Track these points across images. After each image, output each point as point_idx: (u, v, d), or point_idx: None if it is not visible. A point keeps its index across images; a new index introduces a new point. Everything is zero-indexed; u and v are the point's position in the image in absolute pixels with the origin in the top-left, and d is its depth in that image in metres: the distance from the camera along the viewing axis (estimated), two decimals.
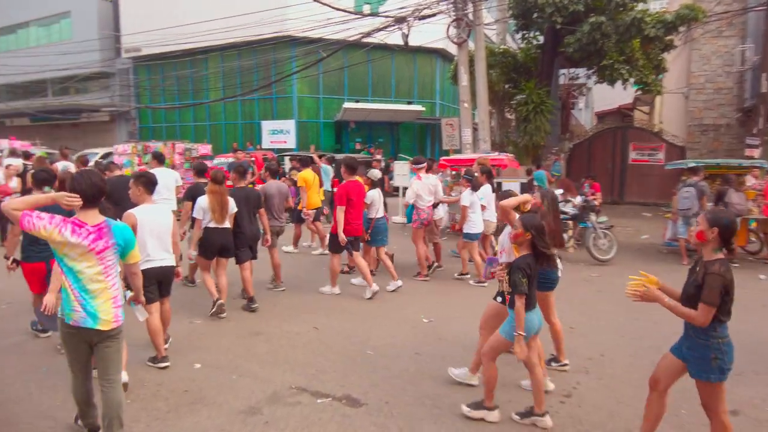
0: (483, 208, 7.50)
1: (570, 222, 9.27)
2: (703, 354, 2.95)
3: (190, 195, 6.43)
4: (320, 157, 13.02)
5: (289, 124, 23.10)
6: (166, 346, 4.85)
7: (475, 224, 7.35)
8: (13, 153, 11.57)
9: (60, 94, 30.91)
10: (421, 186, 7.63)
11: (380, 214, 7.17)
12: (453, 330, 5.65)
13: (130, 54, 26.61)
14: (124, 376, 3.95)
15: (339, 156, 15.58)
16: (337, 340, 5.33)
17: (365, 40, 14.01)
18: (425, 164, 8.07)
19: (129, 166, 12.71)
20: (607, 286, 7.63)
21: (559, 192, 9.86)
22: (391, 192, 14.75)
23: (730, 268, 2.92)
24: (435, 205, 7.94)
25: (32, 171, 7.11)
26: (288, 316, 6.03)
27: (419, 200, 7.57)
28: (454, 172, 13.26)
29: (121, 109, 28.26)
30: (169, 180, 7.55)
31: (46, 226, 2.97)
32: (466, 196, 7.33)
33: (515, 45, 19.81)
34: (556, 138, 16.73)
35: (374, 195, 7.10)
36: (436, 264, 8.10)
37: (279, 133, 23.24)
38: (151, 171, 7.59)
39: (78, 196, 3.06)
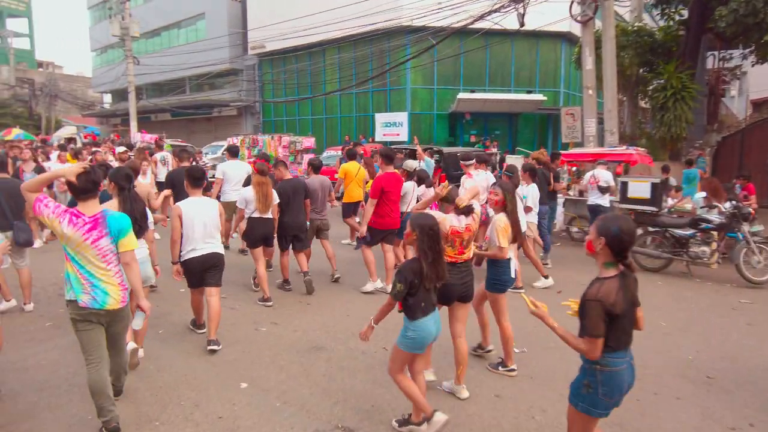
0: (528, 209, 6.84)
1: (715, 233, 7.59)
2: (579, 377, 2.62)
3: (170, 182, 6.67)
4: (424, 150, 12.35)
5: (402, 117, 22.69)
6: (215, 348, 4.86)
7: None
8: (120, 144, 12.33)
9: (196, 91, 33.58)
10: (470, 182, 7.03)
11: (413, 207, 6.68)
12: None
13: (255, 51, 27.95)
14: (141, 353, 4.48)
15: (447, 149, 14.79)
16: None
17: (478, 24, 12.98)
18: (474, 161, 7.47)
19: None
20: (761, 317, 6.07)
21: (701, 195, 8.22)
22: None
23: (614, 288, 2.47)
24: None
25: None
26: (357, 329, 5.45)
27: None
28: (574, 169, 11.87)
29: (247, 103, 29.90)
30: (241, 172, 7.88)
31: (49, 215, 3.20)
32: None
33: (653, 22, 17.43)
34: (700, 129, 14.42)
35: (408, 187, 6.76)
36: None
37: (392, 126, 22.95)
38: (225, 163, 8.34)
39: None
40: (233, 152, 8.54)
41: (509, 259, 4.24)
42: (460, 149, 15.90)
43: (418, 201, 6.80)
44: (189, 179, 4.89)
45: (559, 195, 9.88)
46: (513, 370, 4.40)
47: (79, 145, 18.00)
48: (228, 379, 4.38)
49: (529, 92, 22.25)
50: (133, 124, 26.11)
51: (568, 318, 2.80)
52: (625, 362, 2.56)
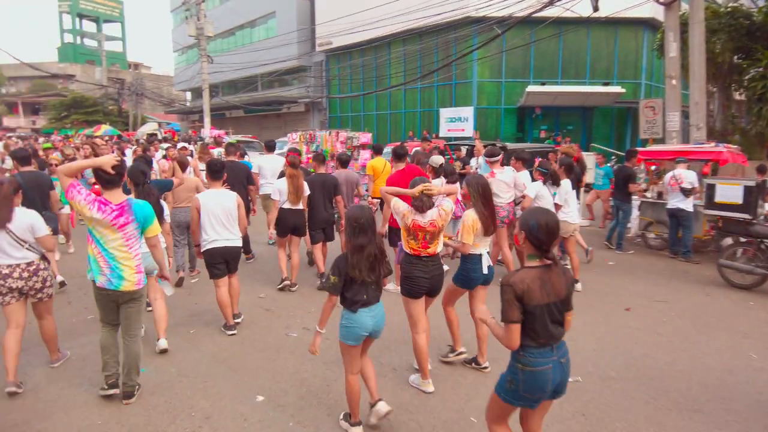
0: (558, 207, 6.42)
1: None
2: (504, 373, 2.71)
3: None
4: (485, 146, 11.70)
5: (468, 111, 21.92)
6: (238, 321, 5.37)
7: None
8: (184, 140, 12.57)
9: (267, 88, 34.36)
10: (495, 182, 6.61)
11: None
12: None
13: (323, 47, 28.12)
14: (163, 343, 4.70)
15: (513, 145, 13.98)
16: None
17: (549, 12, 12.09)
18: (500, 157, 7.00)
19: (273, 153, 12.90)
20: None
21: None
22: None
23: (528, 277, 2.55)
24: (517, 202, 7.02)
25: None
26: (392, 342, 5.01)
27: (495, 198, 6.40)
28: (653, 168, 10.75)
29: (314, 99, 30.19)
30: (276, 165, 8.04)
31: (80, 201, 3.54)
32: (533, 187, 6.43)
33: (750, 2, 15.59)
34: None
35: (437, 183, 6.32)
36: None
37: (456, 121, 22.23)
38: (261, 157, 8.57)
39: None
40: (270, 147, 8.76)
41: (480, 255, 4.21)
42: (527, 146, 15.04)
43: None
44: (208, 172, 5.19)
45: (634, 197, 8.96)
46: (485, 367, 4.39)
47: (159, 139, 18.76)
48: (246, 389, 4.10)
49: (606, 84, 20.74)
50: (207, 121, 26.99)
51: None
52: (549, 362, 2.57)
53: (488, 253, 4.31)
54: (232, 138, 16.55)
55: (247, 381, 4.24)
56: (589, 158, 12.48)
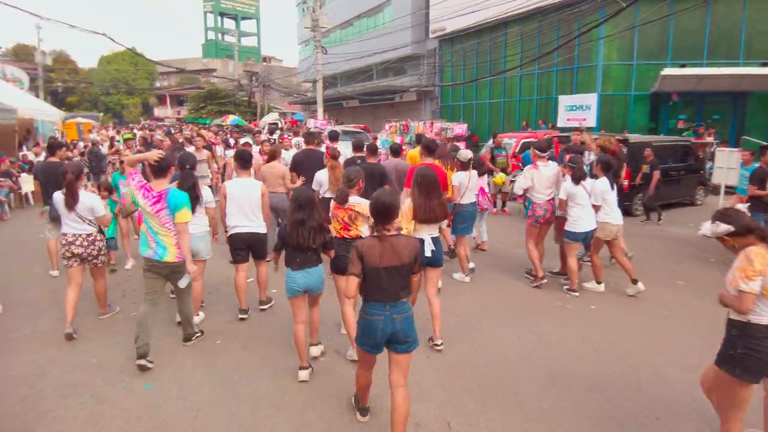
0: (596, 208, 6.02)
1: None
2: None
3: (294, 164, 7.44)
4: (594, 139, 10.12)
5: (590, 99, 19.61)
6: (265, 307, 5.62)
7: (577, 221, 6.05)
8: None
9: (382, 77, 34.20)
10: (538, 176, 6.35)
11: (468, 199, 6.50)
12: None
13: (436, 34, 27.14)
14: (202, 315, 5.40)
15: (637, 138, 12.07)
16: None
17: None
18: (548, 152, 6.65)
19: (386, 145, 12.30)
20: None
21: None
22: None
23: (368, 244, 3.12)
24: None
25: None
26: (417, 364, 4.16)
27: (534, 193, 6.44)
28: None
29: (426, 88, 29.37)
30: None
31: (133, 187, 4.24)
32: (564, 187, 6.11)
33: None
34: None
35: (462, 178, 6.40)
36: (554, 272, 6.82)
37: (577, 110, 20.01)
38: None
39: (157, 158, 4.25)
40: (333, 137, 9.28)
41: (422, 240, 4.54)
42: (660, 138, 12.91)
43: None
44: (237, 161, 5.43)
45: None
46: (438, 344, 4.73)
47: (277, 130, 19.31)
48: (238, 427, 3.52)
49: (765, 65, 17.28)
50: (320, 111, 27.49)
51: None
52: (382, 315, 3.11)
53: (433, 238, 4.63)
54: (337, 128, 16.37)
55: (243, 416, 3.67)
56: (732, 155, 10.30)
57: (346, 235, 4.36)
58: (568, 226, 6.05)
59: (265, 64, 58.52)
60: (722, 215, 2.94)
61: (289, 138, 11.66)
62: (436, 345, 4.68)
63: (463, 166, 6.46)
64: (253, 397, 3.90)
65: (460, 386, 4.08)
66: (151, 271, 4.33)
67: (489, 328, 5.20)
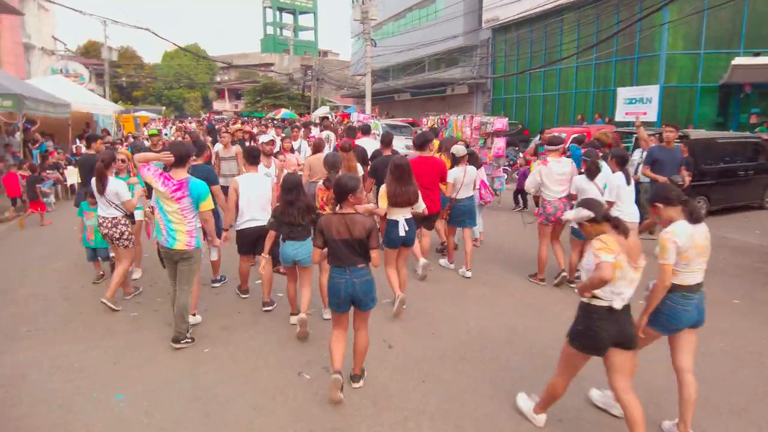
0: (610, 204, 5.54)
1: None
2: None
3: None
4: (654, 134, 9.23)
5: (652, 91, 18.17)
6: (268, 309, 5.48)
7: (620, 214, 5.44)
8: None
9: (434, 69, 33.50)
10: (546, 172, 6.04)
11: (465, 194, 6.51)
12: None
13: (489, 24, 26.21)
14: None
15: (699, 134, 10.98)
16: None
17: None
18: (559, 147, 6.21)
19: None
20: None
21: None
22: None
23: (327, 219, 3.72)
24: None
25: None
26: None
27: (544, 190, 6.14)
28: None
29: (478, 81, 28.46)
30: (371, 147, 8.20)
31: (150, 176, 4.40)
32: (574, 181, 5.86)
33: None
34: None
35: (457, 173, 6.44)
36: (563, 273, 6.19)
37: (637, 103, 18.62)
38: (359, 140, 8.57)
39: (170, 153, 4.45)
40: (365, 131, 9.33)
41: (397, 221, 5.16)
42: (724, 134, 11.68)
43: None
44: (245, 157, 5.61)
45: None
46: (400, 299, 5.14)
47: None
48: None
49: None
50: (368, 104, 27.21)
51: None
52: (343, 278, 3.68)
53: (406, 219, 5.23)
54: (377, 122, 16.00)
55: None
56: None
57: (322, 213, 4.81)
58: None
59: (318, 57, 58.96)
60: (586, 203, 3.17)
61: (297, 129, 11.27)
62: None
63: (458, 161, 6.49)
64: (224, 418, 3.59)
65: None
66: (165, 257, 4.62)
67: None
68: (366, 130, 9.40)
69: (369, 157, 7.74)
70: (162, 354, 4.50)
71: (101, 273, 6.42)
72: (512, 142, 20.37)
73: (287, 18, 74.16)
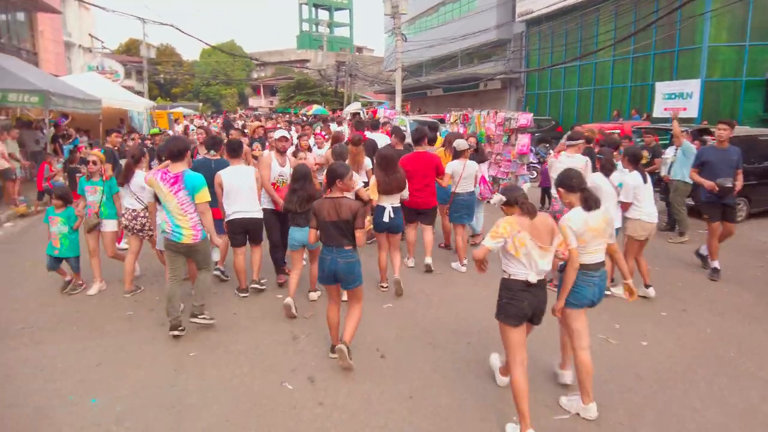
0: (625, 205, 5.41)
1: None
2: None
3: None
4: (688, 132, 8.66)
5: (693, 85, 17.32)
6: (257, 286, 5.75)
7: (641, 214, 5.48)
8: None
9: (467, 64, 32.89)
10: (556, 165, 5.88)
11: (464, 189, 6.52)
12: None
13: (523, 18, 25.50)
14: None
15: (741, 130, 10.24)
16: None
17: None
18: (580, 142, 6.05)
19: (444, 136, 11.41)
20: None
21: None
22: None
23: (321, 203, 4.10)
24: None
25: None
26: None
27: (554, 185, 5.54)
28: None
29: (511, 76, 27.76)
30: (382, 142, 8.21)
31: (152, 180, 4.56)
32: (592, 180, 5.21)
33: None
34: None
35: (456, 166, 6.44)
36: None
37: (676, 98, 17.76)
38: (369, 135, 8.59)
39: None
40: (374, 126, 9.47)
41: (384, 207, 5.61)
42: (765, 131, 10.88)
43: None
44: (227, 150, 5.66)
45: None
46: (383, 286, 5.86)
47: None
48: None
49: None
50: (397, 100, 26.90)
51: None
52: (330, 256, 4.06)
53: (393, 207, 5.59)
54: (402, 118, 15.74)
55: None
56: None
57: None
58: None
59: (350, 53, 58.87)
60: (504, 189, 3.43)
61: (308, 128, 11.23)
62: (384, 286, 5.84)
63: (458, 155, 6.48)
64: (194, 429, 3.43)
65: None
66: (170, 249, 4.63)
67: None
68: (375, 125, 9.62)
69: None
70: (147, 356, 4.39)
71: (68, 279, 5.87)
72: (544, 139, 19.79)
73: (323, 14, 74.50)
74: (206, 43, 33.88)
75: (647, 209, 5.44)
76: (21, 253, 7.66)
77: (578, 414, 3.49)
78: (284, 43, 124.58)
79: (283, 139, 7.58)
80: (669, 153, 8.79)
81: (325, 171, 4.20)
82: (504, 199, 3.34)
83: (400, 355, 4.40)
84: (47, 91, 11.71)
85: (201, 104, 57.01)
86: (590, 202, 3.45)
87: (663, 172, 8.74)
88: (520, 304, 3.25)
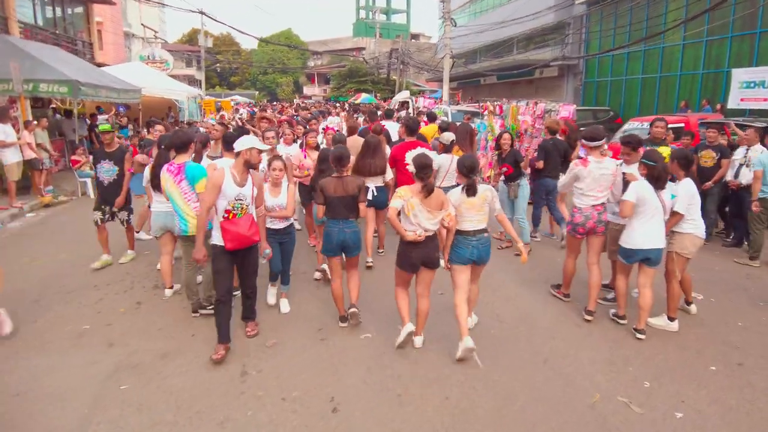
0: (677, 216, 4.56)
1: None
2: None
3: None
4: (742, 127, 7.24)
5: None
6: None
7: (632, 236, 4.53)
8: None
9: (523, 50, 31.10)
10: (584, 173, 4.90)
11: (449, 183, 6.25)
12: None
13: None
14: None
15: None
16: None
17: None
18: (602, 142, 5.05)
19: (482, 129, 10.37)
20: None
21: None
22: None
23: (327, 181, 4.58)
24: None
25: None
26: None
27: (579, 194, 5.00)
28: None
29: (569, 62, 25.86)
30: (394, 131, 8.43)
31: (164, 174, 4.81)
32: (633, 188, 4.48)
33: None
34: None
35: (443, 160, 6.32)
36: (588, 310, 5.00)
37: (756, 87, 15.64)
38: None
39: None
40: (388, 115, 10.00)
41: (368, 187, 5.82)
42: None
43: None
44: (223, 144, 5.71)
45: None
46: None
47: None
48: None
49: None
50: (445, 88, 25.72)
51: None
52: (336, 228, 4.56)
53: (377, 186, 6.19)
54: (440, 109, 14.76)
55: None
56: None
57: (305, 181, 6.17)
58: (622, 241, 4.66)
59: (405, 41, 57.58)
60: (415, 163, 4.16)
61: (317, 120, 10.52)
62: (369, 263, 6.34)
63: (446, 149, 6.40)
64: None
65: None
66: (186, 242, 4.90)
67: None
68: (389, 115, 10.34)
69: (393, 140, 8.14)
70: (91, 379, 3.83)
71: None
72: None
73: (380, 1, 73.44)
74: (257, 38, 33.89)
75: (699, 222, 4.71)
76: (28, 244, 7.48)
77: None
78: (341, 32, 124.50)
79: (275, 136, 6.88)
80: (738, 154, 7.38)
81: (332, 156, 4.65)
82: (414, 170, 4.11)
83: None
84: (76, 81, 11.61)
85: (257, 93, 57.78)
86: (465, 188, 4.13)
87: (728, 176, 7.34)
88: (410, 254, 4.12)
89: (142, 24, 31.84)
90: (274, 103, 34.86)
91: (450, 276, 4.30)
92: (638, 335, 4.48)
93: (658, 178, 4.42)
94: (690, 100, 18.20)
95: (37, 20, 18.74)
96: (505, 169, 6.96)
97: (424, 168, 4.04)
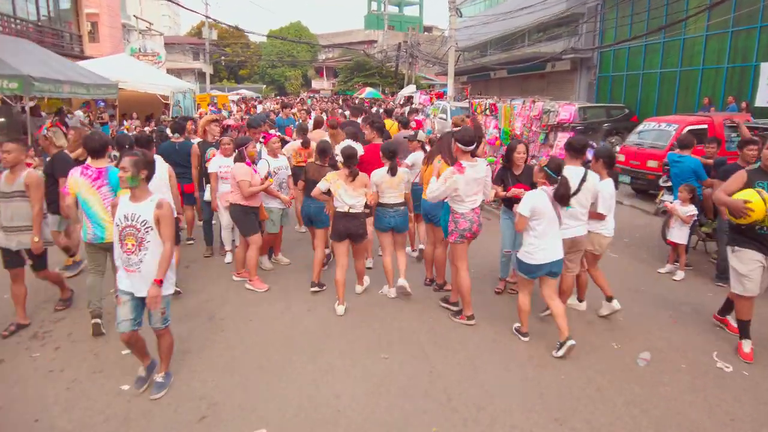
0: (597, 217, 4.70)
1: None
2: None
3: None
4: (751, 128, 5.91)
5: None
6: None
7: (534, 252, 4.34)
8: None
9: (535, 43, 29.52)
10: (462, 182, 4.72)
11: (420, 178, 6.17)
12: None
13: None
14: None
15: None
16: None
17: None
18: (475, 146, 4.76)
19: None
20: None
21: None
22: None
23: (309, 166, 5.68)
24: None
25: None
26: None
27: (459, 202, 4.82)
28: None
29: (581, 55, 24.27)
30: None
31: (73, 177, 4.51)
32: (527, 200, 4.31)
33: None
34: None
35: (416, 157, 6.20)
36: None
37: None
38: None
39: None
40: (388, 113, 10.72)
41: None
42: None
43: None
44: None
45: None
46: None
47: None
48: None
49: None
50: (450, 82, 24.42)
51: None
52: (307, 203, 5.67)
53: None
54: (436, 106, 13.51)
55: None
56: None
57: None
58: (521, 255, 4.48)
59: (416, 33, 56.03)
60: (343, 154, 5.08)
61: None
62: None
63: (423, 147, 6.44)
64: None
65: None
66: (93, 250, 4.61)
67: None
68: (390, 112, 11.75)
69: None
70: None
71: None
72: (615, 130, 16.74)
73: None
74: (262, 35, 32.86)
75: (611, 223, 4.86)
76: None
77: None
78: (353, 24, 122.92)
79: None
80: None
81: (316, 148, 5.67)
82: (341, 159, 5.01)
83: None
84: (28, 77, 10.58)
85: (264, 86, 56.77)
86: (388, 169, 5.16)
87: None
88: (337, 226, 5.12)
89: (134, 15, 30.90)
90: (260, 98, 33.55)
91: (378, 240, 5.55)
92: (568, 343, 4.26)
93: (557, 193, 4.16)
94: (713, 97, 16.65)
95: (17, 11, 17.89)
96: (520, 190, 5.00)
97: (351, 158, 5.01)
